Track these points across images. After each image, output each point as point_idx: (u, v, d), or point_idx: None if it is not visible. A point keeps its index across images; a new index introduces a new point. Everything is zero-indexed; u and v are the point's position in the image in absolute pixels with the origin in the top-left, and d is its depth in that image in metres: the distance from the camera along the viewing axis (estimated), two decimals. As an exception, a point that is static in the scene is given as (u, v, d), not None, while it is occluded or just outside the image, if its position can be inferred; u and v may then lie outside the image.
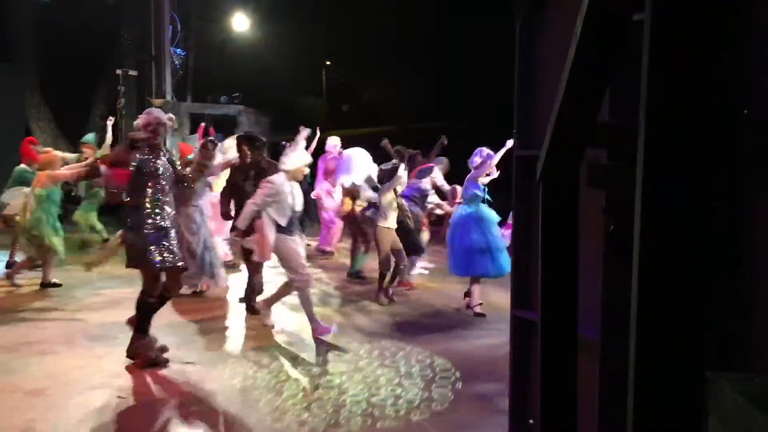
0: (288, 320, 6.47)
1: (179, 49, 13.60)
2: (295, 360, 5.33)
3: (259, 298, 6.50)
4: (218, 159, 6.51)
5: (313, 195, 10.03)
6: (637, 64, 1.80)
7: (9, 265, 8.23)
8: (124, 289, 7.35)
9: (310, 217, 11.80)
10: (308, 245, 9.96)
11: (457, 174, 8.16)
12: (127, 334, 5.17)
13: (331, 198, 9.50)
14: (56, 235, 7.44)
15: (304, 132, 6.33)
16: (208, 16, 17.97)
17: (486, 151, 6.82)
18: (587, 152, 2.08)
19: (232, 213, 6.62)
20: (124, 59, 15.00)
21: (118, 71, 14.16)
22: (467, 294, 6.97)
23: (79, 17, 15.69)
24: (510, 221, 6.55)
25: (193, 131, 12.65)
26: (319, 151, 9.98)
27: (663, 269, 1.20)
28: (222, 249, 7.88)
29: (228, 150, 7.20)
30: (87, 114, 17.37)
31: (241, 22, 17.69)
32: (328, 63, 27.62)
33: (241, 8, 17.48)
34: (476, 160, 6.80)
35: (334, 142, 9.84)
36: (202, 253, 6.89)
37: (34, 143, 8.79)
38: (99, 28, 16.08)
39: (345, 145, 9.64)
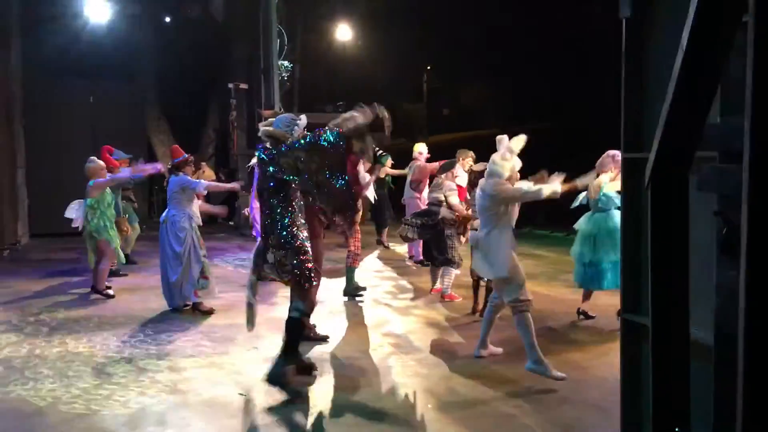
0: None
1: (286, 62, 14.12)
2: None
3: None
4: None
5: (403, 201, 10.17)
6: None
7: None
8: (239, 293, 7.79)
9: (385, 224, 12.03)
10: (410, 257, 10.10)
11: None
12: (246, 335, 5.44)
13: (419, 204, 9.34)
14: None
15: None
16: (313, 28, 18.60)
17: (613, 152, 6.11)
18: (697, 154, 2.04)
19: None
20: (235, 73, 15.75)
21: (230, 85, 14.90)
22: (582, 311, 6.71)
23: (193, 35, 16.66)
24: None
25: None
26: (408, 159, 10.12)
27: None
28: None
29: None
30: (201, 126, 18.42)
31: (344, 32, 18.25)
32: (429, 67, 27.76)
33: (344, 19, 18.02)
34: (605, 162, 6.27)
35: (420, 149, 9.90)
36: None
37: (111, 151, 9.03)
38: (211, 45, 17.01)
39: (445, 149, 9.54)
